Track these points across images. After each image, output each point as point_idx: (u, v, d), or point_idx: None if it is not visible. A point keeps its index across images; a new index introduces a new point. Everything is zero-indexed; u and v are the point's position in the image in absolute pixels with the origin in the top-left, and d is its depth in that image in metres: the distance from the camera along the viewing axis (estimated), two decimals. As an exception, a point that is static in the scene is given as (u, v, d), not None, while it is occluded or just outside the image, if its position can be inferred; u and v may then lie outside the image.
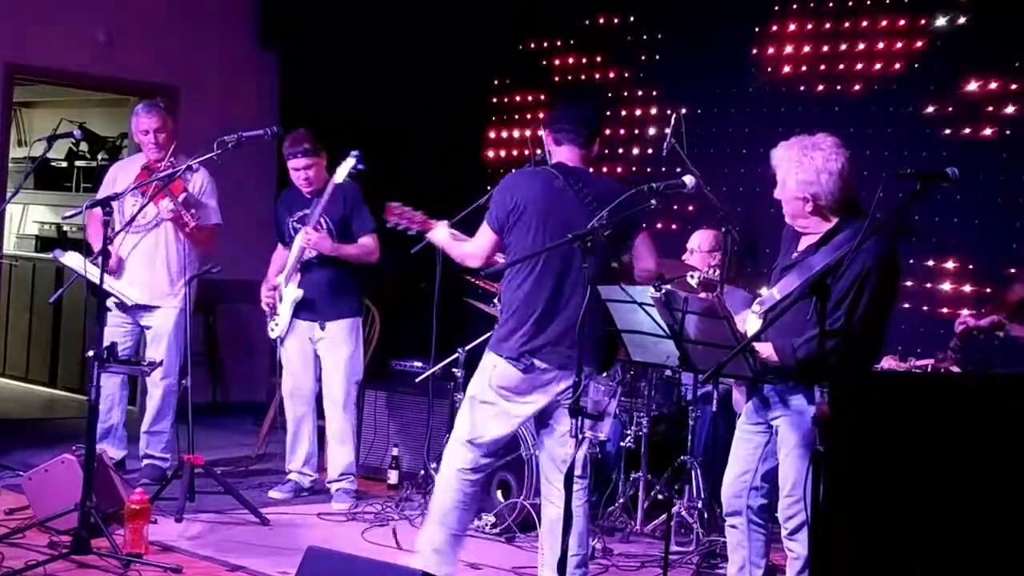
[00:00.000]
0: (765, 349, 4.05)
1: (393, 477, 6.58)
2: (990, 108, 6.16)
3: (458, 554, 4.69)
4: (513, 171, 4.79)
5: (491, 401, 4.59)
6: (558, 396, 4.55)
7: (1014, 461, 3.49)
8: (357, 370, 6.24)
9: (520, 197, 4.59)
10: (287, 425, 6.36)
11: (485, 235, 4.69)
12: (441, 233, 4.86)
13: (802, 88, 6.87)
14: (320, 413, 6.31)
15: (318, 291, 6.14)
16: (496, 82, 8.36)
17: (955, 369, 5.16)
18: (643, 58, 7.61)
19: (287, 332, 6.20)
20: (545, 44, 8.11)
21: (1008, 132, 6.10)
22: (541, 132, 4.84)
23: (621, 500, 5.77)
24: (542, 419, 4.65)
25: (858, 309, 3.98)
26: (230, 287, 7.94)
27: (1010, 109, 6.10)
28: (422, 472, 6.24)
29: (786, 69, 6.94)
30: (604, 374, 4.68)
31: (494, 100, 8.34)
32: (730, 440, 4.49)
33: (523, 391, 4.56)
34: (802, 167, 4.10)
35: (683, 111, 6.31)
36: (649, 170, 7.36)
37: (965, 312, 5.33)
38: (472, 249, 4.73)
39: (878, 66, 6.58)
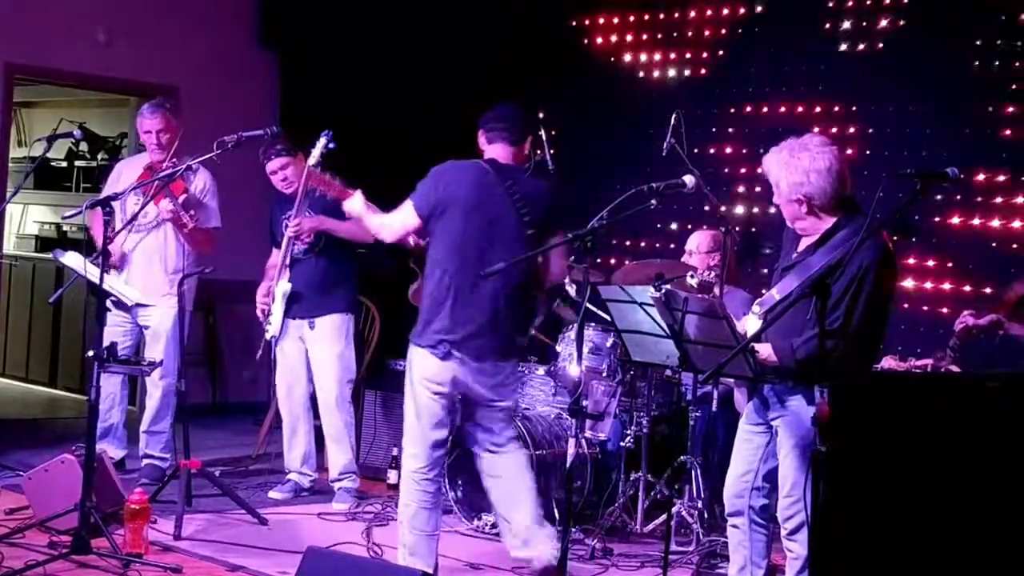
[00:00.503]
0: (765, 350, 4.05)
1: (393, 477, 6.56)
2: (990, 108, 6.16)
3: (434, 551, 4.71)
4: (449, 161, 4.75)
5: (420, 394, 4.64)
6: (482, 392, 4.62)
7: (1014, 461, 3.50)
8: (350, 368, 6.21)
9: (452, 189, 4.61)
10: (283, 426, 6.34)
11: (407, 216, 4.69)
12: (357, 203, 4.85)
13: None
14: (316, 413, 6.30)
15: (307, 286, 6.10)
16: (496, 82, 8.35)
17: (955, 369, 5.16)
18: (643, 58, 7.60)
19: (281, 334, 6.16)
20: (545, 44, 8.10)
21: (1008, 132, 6.10)
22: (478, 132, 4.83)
23: (621, 500, 5.77)
24: (470, 415, 4.70)
25: (857, 309, 3.97)
26: (230, 287, 7.93)
27: (1010, 110, 6.10)
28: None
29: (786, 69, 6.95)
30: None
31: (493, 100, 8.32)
32: (730, 440, 4.49)
33: (445, 379, 4.61)
34: (791, 169, 4.09)
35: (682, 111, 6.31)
36: (648, 170, 7.36)
37: (965, 312, 5.34)
38: (391, 223, 4.74)
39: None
